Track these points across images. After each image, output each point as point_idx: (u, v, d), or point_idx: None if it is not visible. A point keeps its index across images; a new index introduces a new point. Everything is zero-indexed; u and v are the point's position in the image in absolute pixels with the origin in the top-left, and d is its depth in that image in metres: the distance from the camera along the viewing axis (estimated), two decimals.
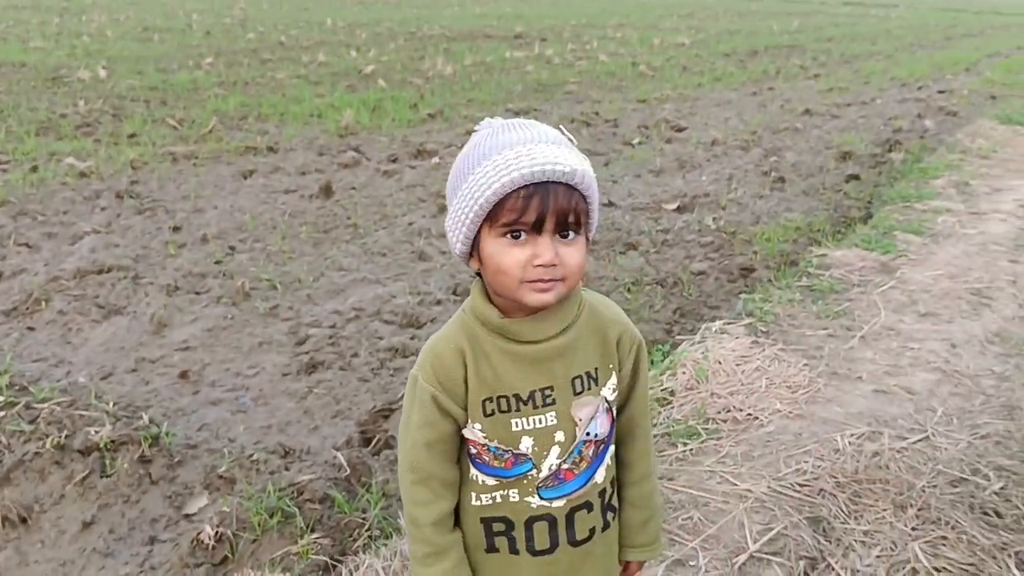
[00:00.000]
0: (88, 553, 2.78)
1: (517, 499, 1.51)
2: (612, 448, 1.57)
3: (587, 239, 1.43)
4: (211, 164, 7.38)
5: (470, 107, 10.44)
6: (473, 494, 1.53)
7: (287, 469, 3.15)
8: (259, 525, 2.75)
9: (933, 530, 2.57)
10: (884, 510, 2.61)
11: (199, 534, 2.69)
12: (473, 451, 1.50)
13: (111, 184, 6.62)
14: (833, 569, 2.37)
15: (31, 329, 4.30)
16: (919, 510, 2.63)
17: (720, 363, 3.41)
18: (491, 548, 1.55)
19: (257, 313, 4.49)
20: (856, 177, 7.59)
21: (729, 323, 4.02)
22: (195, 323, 4.38)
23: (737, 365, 3.43)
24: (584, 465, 1.51)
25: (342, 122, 8.95)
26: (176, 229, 5.69)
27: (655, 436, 3.04)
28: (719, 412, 3.16)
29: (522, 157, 1.33)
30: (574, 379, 1.48)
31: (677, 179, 7.50)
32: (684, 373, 3.38)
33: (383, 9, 27.84)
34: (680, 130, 9.59)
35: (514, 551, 1.54)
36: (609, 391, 1.52)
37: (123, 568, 2.71)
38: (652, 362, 3.72)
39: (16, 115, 8.96)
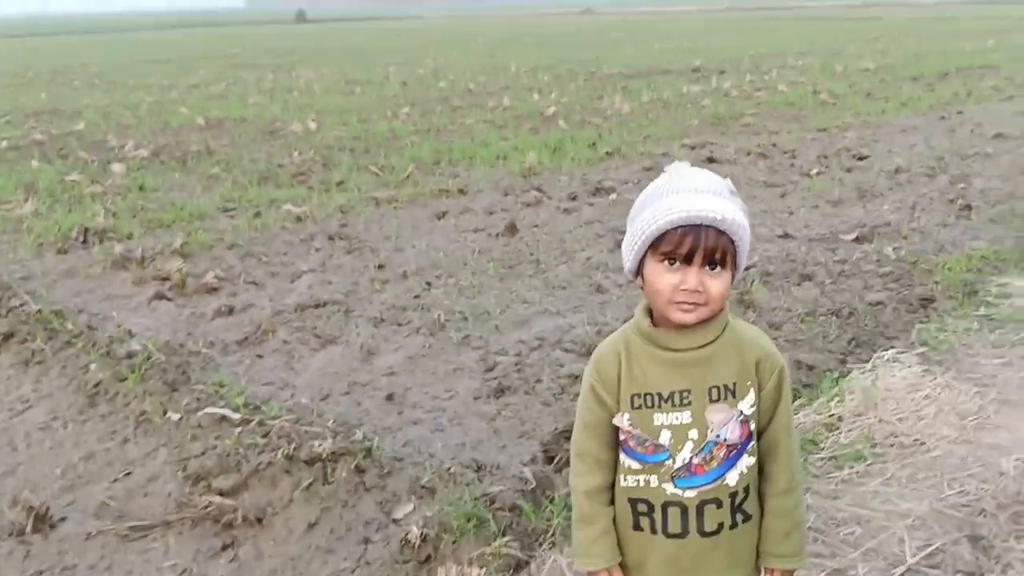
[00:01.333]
0: (313, 550, 3.24)
1: (656, 485, 1.83)
2: (750, 459, 1.84)
3: (733, 274, 1.76)
4: (409, 207, 8.04)
5: (646, 143, 10.74)
6: (622, 476, 1.88)
7: (480, 481, 3.53)
8: (458, 528, 3.13)
9: None
10: None
11: (407, 534, 3.10)
12: (622, 438, 1.85)
13: (323, 227, 7.37)
14: None
15: (260, 357, 4.94)
16: None
17: (890, 391, 3.53)
18: (636, 526, 1.88)
19: (451, 342, 4.96)
20: None
21: (901, 352, 4.10)
22: (398, 351, 4.89)
23: (907, 393, 3.53)
24: (714, 464, 1.81)
25: (525, 163, 9.47)
26: (380, 267, 6.31)
27: (821, 459, 3.22)
28: (886, 438, 3.29)
29: (683, 205, 1.69)
30: (711, 388, 1.79)
31: (857, 209, 7.49)
32: (852, 399, 3.53)
33: (565, 51, 28.64)
34: (862, 159, 9.49)
35: (653, 532, 1.86)
36: (747, 406, 1.81)
37: (343, 563, 3.15)
38: (821, 389, 3.88)
39: (240, 166, 10.05)
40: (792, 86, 15.81)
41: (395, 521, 3.34)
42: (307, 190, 8.79)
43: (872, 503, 2.92)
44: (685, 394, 1.80)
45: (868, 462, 3.18)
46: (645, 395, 1.81)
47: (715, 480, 1.82)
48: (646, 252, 1.77)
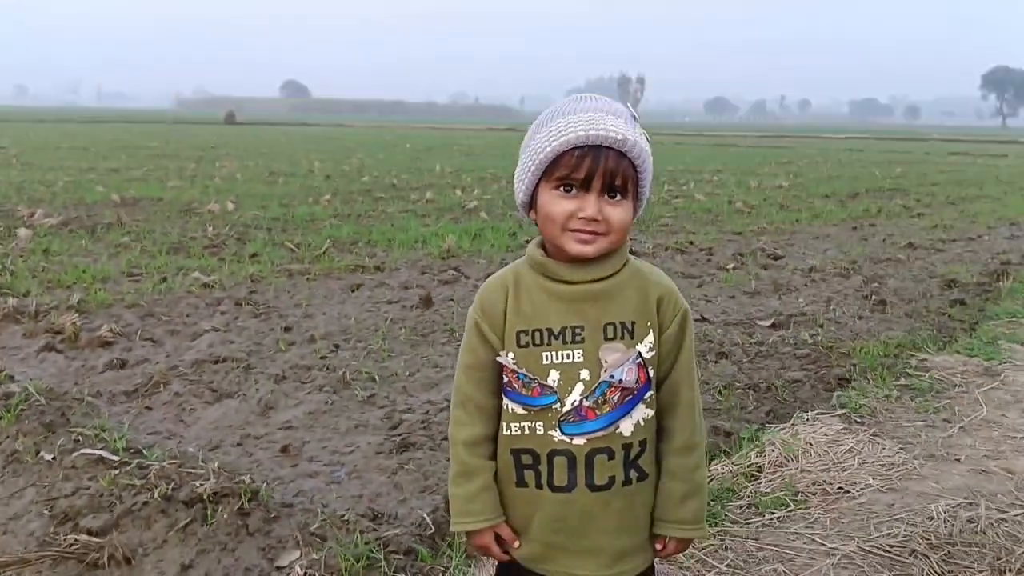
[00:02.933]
0: None
1: (542, 431, 1.65)
2: (647, 411, 1.67)
3: (635, 206, 1.61)
4: (323, 279, 7.81)
5: None
6: (504, 424, 1.69)
7: (376, 529, 3.26)
8: (346, 570, 2.85)
9: None
10: (980, 572, 2.54)
11: (288, 566, 2.81)
12: (506, 380, 1.67)
13: (231, 293, 7.08)
14: None
15: (148, 409, 4.60)
16: (1018, 572, 2.54)
17: (811, 444, 3.42)
18: (520, 482, 1.69)
19: (356, 400, 4.70)
20: (962, 302, 7.47)
21: (822, 413, 4.01)
22: (298, 407, 4.61)
23: (828, 447, 3.42)
24: (607, 409, 1.63)
25: (444, 246, 9.37)
26: (287, 329, 6.04)
27: (740, 507, 3.05)
28: (808, 486, 3.16)
29: (580, 123, 1.55)
30: (607, 325, 1.63)
31: (773, 300, 7.54)
32: (773, 451, 3.39)
33: (490, 159, 29.09)
34: (777, 258, 9.66)
35: (539, 486, 1.67)
36: (646, 348, 1.65)
37: None
38: (740, 443, 3.73)
39: (151, 238, 9.70)
40: (709, 196, 16.23)
41: (278, 569, 3.04)
42: (218, 261, 8.50)
43: (795, 543, 2.75)
44: (577, 330, 1.64)
45: (790, 508, 3.02)
46: (533, 331, 1.65)
47: (607, 426, 1.64)
48: (540, 179, 1.63)
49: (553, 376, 1.64)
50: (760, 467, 3.29)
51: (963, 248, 10.79)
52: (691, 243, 10.50)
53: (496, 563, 1.89)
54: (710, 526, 2.87)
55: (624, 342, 1.64)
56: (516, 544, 1.72)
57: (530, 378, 1.65)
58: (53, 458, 3.73)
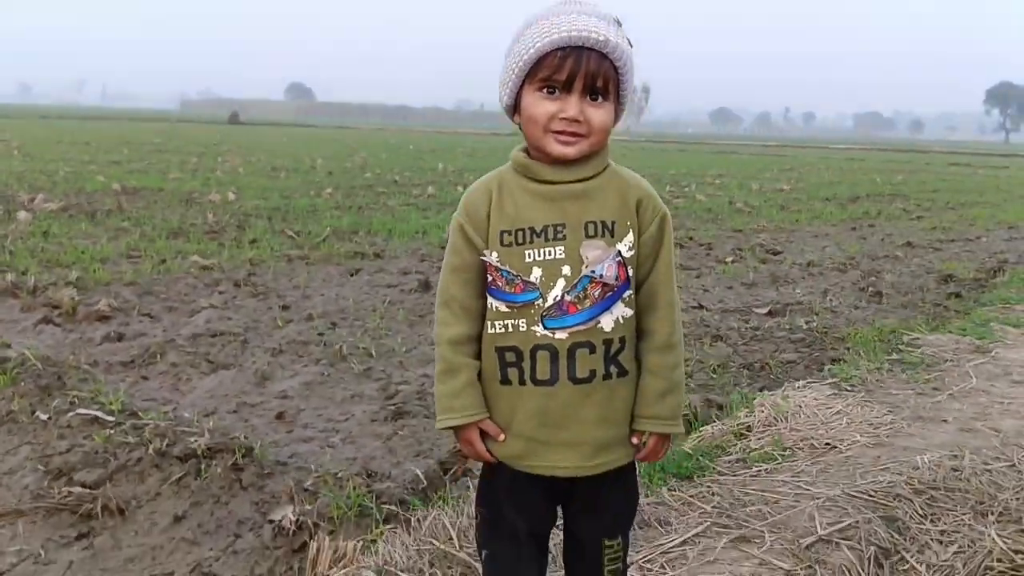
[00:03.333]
0: (177, 541, 2.94)
1: (525, 328, 1.69)
2: (626, 310, 1.70)
3: (617, 109, 1.64)
4: (322, 264, 7.84)
5: None
6: (489, 323, 1.73)
7: (368, 486, 3.27)
8: (337, 518, 2.87)
9: (1018, 534, 2.49)
10: (963, 515, 2.56)
11: (280, 520, 2.83)
12: (490, 279, 1.71)
13: (230, 275, 7.10)
14: (907, 561, 2.34)
15: (145, 378, 4.61)
16: (1000, 515, 2.56)
17: (800, 407, 3.44)
18: (504, 379, 1.73)
19: (352, 373, 4.71)
20: (958, 295, 7.49)
21: (812, 382, 4.03)
22: (294, 378, 4.62)
23: (818, 409, 3.45)
24: (588, 304, 1.67)
25: (445, 236, 9.36)
26: (285, 308, 6.06)
27: (728, 461, 3.06)
28: (796, 442, 3.18)
29: (564, 24, 1.59)
30: (587, 223, 1.66)
31: (770, 291, 7.56)
32: (763, 411, 3.41)
33: (495, 160, 29.14)
34: (775, 253, 9.69)
35: (522, 382, 1.71)
36: (625, 248, 1.69)
37: (207, 553, 2.85)
38: (732, 406, 3.75)
39: (151, 223, 9.73)
40: (710, 197, 16.27)
41: (270, 522, 3.05)
42: (218, 246, 8.52)
43: (781, 489, 2.78)
44: (559, 228, 1.68)
45: (777, 462, 3.05)
46: (516, 231, 1.69)
47: (588, 320, 1.68)
48: (523, 82, 1.67)
49: (536, 273, 1.68)
50: (750, 426, 3.32)
51: (961, 248, 10.81)
52: (691, 238, 10.52)
53: (481, 477, 1.91)
54: (698, 477, 2.89)
55: (605, 240, 1.67)
56: (501, 437, 1.75)
57: (513, 275, 1.68)
58: (48, 418, 3.76)
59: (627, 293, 1.71)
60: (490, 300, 1.73)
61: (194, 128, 52.16)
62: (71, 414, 3.75)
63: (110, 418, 3.71)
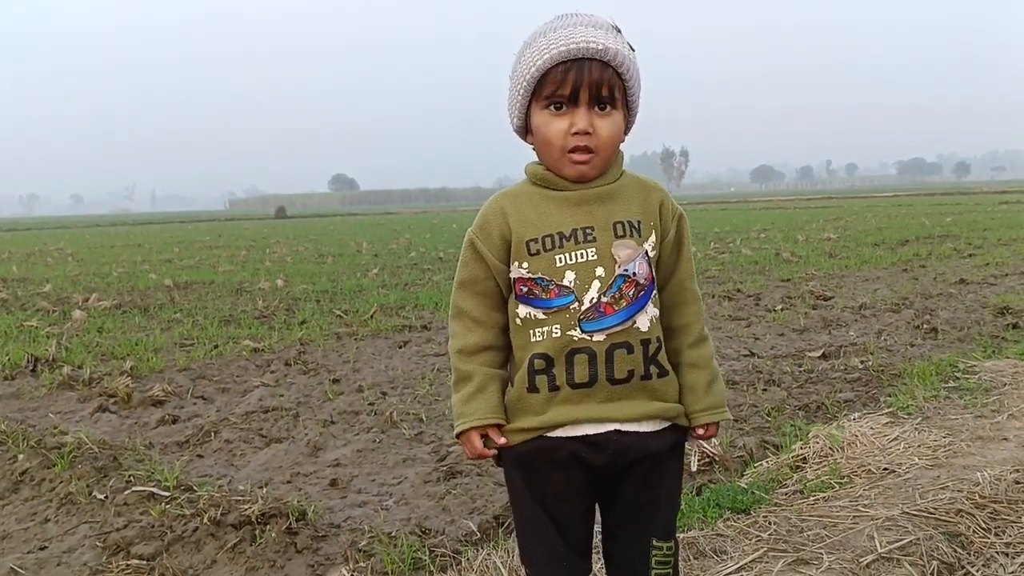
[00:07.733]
0: None
1: (559, 334, 1.67)
2: (655, 310, 1.71)
3: (626, 118, 1.66)
4: (370, 339, 7.91)
5: None
6: (529, 332, 1.71)
7: (422, 542, 3.24)
8: (392, 572, 2.84)
9: None
10: None
11: None
12: (525, 289, 1.69)
13: (281, 355, 7.19)
14: (972, 575, 2.23)
15: (200, 456, 4.65)
16: None
17: (856, 436, 3.35)
18: (532, 388, 1.71)
19: (403, 438, 4.71)
20: (1015, 326, 7.31)
21: (868, 413, 3.93)
22: (347, 446, 4.63)
23: (874, 437, 3.35)
24: (624, 303, 1.66)
25: None
26: (335, 381, 6.11)
27: (786, 493, 2.98)
28: (854, 470, 3.09)
29: (561, 38, 1.62)
30: (615, 223, 1.67)
31: (822, 335, 7.44)
32: (818, 443, 3.33)
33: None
34: (826, 299, 9.55)
35: (554, 388, 1.68)
36: (650, 247, 1.69)
37: None
38: (786, 441, 3.67)
39: (203, 313, 9.93)
40: (756, 251, 16.16)
41: None
42: (268, 329, 8.65)
43: (839, 513, 2.69)
44: (588, 231, 1.68)
45: (835, 489, 2.96)
46: (544, 237, 1.69)
47: (624, 320, 1.67)
48: (530, 103, 1.69)
49: (569, 277, 1.67)
50: (805, 458, 3.25)
51: (1016, 281, 10.56)
52: (738, 290, 10.43)
53: (512, 506, 1.88)
54: (754, 510, 2.81)
55: (634, 239, 1.68)
56: (502, 440, 1.74)
57: (547, 280, 1.68)
58: (105, 497, 3.81)
59: (654, 293, 1.71)
60: (527, 310, 1.72)
61: (243, 225, 53.46)
62: (127, 492, 3.79)
63: (165, 493, 3.74)
